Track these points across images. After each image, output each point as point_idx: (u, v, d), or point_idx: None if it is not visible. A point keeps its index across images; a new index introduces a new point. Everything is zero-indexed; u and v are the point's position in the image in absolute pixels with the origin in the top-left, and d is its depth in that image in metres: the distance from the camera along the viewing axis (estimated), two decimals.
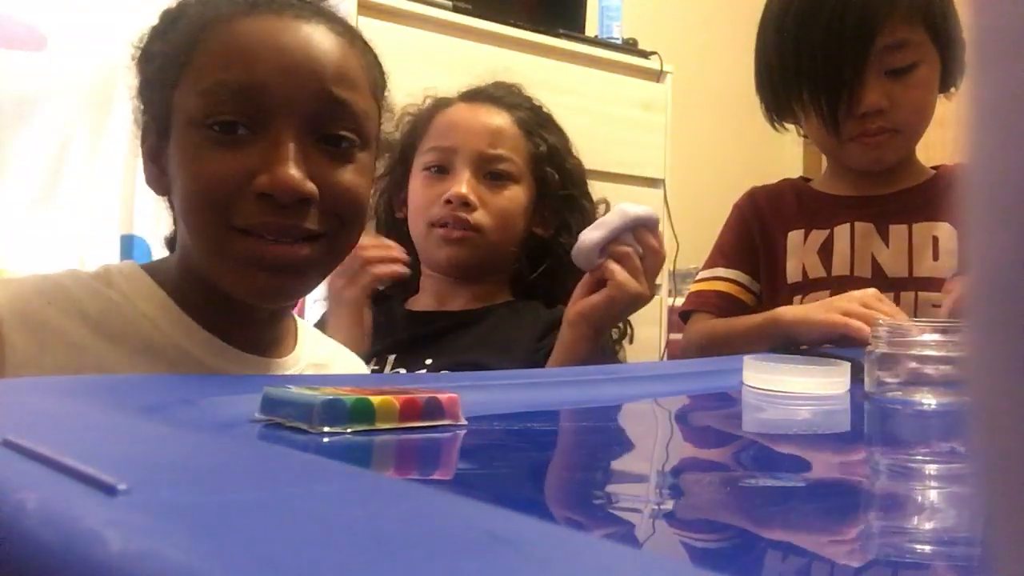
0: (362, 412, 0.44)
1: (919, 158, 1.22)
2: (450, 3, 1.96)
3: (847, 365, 0.69)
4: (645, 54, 2.32)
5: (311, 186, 0.66)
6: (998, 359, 0.13)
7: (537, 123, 1.23)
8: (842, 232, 1.15)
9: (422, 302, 1.22)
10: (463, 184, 1.13)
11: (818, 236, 1.17)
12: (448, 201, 1.13)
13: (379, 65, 0.77)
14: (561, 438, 0.55)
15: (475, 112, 1.20)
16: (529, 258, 1.21)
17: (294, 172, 0.65)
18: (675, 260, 2.32)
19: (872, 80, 1.08)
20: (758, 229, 1.22)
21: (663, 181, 2.30)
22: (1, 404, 0.44)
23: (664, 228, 2.31)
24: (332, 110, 0.69)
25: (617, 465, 0.49)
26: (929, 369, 0.63)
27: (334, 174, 0.69)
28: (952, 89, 1.14)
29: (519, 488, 0.42)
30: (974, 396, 0.13)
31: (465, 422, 0.48)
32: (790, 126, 1.23)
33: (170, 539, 0.20)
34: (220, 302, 0.71)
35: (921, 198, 1.16)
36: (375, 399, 0.45)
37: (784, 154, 2.20)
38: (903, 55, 1.08)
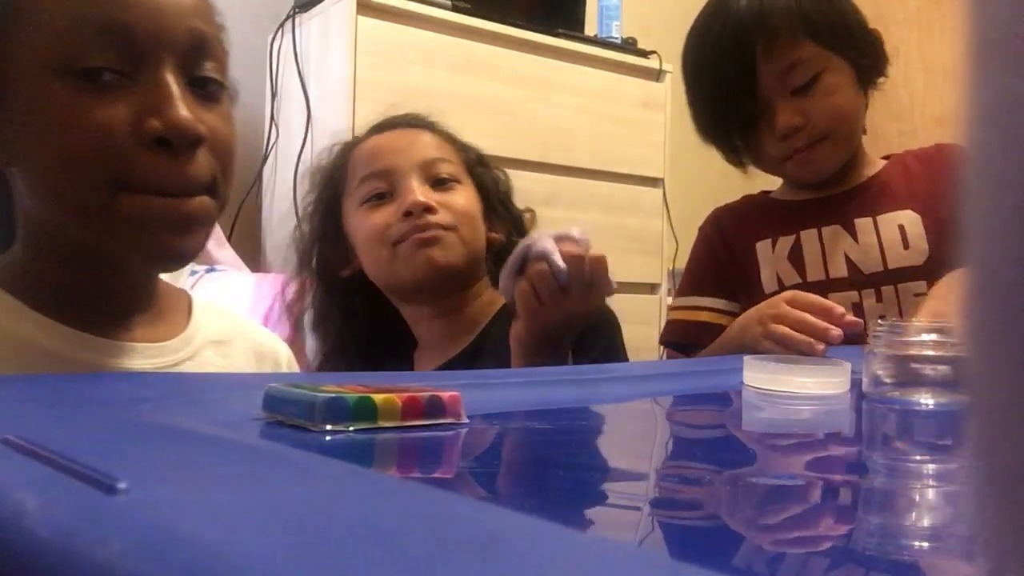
0: (364, 410, 0.44)
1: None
2: (450, 3, 1.96)
3: (847, 365, 0.69)
4: (644, 53, 2.32)
5: (203, 127, 0.62)
6: (998, 359, 0.13)
7: (454, 137, 1.18)
8: (809, 236, 1.17)
9: (427, 356, 1.14)
10: (416, 192, 1.06)
11: (785, 242, 1.18)
12: (408, 213, 1.05)
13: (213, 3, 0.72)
14: (562, 437, 0.54)
15: (396, 134, 1.14)
16: (494, 265, 1.13)
17: (186, 113, 0.61)
18: (675, 260, 2.32)
19: (780, 103, 1.11)
20: (723, 248, 1.23)
21: (662, 180, 2.30)
22: (1, 404, 0.44)
23: (663, 228, 2.32)
24: (201, 47, 0.65)
25: (617, 464, 0.49)
26: (927, 369, 0.63)
27: (210, 117, 0.65)
28: (880, 79, 1.16)
29: (520, 487, 0.42)
30: (974, 396, 0.13)
31: (467, 421, 0.48)
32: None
33: (170, 538, 0.20)
34: (78, 292, 0.65)
35: (878, 188, 1.17)
36: (377, 397, 0.45)
37: None
38: (801, 72, 1.10)
